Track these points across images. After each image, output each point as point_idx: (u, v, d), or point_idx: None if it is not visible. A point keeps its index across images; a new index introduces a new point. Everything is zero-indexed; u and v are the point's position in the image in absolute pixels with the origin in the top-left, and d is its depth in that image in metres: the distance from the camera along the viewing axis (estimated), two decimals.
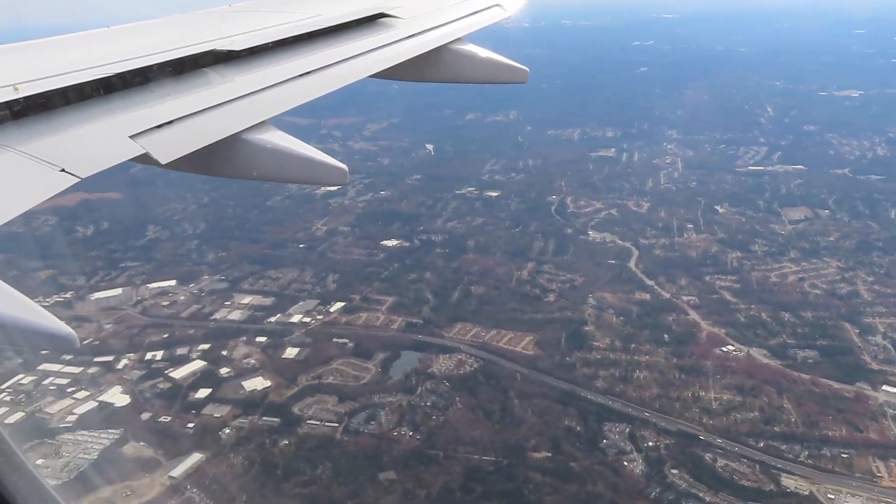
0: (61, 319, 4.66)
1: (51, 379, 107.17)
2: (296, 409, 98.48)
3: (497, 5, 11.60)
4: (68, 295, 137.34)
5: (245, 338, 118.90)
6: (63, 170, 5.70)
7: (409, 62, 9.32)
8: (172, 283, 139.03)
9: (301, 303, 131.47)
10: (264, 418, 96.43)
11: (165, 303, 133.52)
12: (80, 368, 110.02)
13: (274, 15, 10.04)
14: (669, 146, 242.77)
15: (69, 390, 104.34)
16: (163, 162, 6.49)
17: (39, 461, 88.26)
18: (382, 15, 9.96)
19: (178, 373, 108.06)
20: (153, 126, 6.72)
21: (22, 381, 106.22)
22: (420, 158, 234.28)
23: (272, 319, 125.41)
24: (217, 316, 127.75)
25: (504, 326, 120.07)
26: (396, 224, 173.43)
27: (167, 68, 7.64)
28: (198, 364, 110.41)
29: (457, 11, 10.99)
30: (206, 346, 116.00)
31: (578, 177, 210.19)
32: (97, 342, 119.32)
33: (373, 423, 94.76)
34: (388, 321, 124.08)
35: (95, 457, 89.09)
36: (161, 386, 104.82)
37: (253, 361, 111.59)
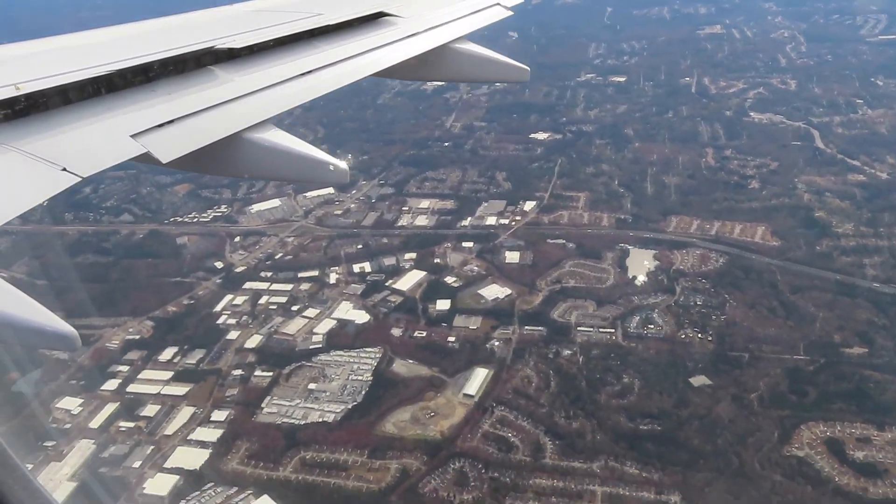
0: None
1: (266, 298, 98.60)
2: (555, 316, 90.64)
3: (497, 3, 11.11)
4: (223, 209, 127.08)
5: (448, 244, 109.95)
6: (64, 169, 5.73)
7: (410, 61, 9.01)
8: (330, 190, 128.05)
9: (485, 204, 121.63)
10: (527, 328, 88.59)
11: (337, 212, 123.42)
12: (290, 285, 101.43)
13: (274, 14, 9.77)
14: (776, 20, 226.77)
15: (293, 309, 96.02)
16: (164, 161, 6.39)
17: (312, 385, 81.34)
18: (383, 14, 9.72)
19: (402, 284, 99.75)
20: (154, 125, 6.63)
21: (236, 302, 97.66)
22: (509, 45, 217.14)
23: (465, 223, 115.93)
24: (402, 222, 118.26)
25: (724, 217, 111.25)
26: (533, 116, 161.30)
27: (168, 67, 7.54)
28: (417, 274, 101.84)
29: (457, 10, 10.61)
30: (412, 255, 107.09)
31: (699, 56, 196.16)
32: (289, 256, 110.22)
33: (650, 326, 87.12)
34: (594, 218, 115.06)
35: (370, 377, 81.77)
36: (391, 300, 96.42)
37: (476, 268, 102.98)
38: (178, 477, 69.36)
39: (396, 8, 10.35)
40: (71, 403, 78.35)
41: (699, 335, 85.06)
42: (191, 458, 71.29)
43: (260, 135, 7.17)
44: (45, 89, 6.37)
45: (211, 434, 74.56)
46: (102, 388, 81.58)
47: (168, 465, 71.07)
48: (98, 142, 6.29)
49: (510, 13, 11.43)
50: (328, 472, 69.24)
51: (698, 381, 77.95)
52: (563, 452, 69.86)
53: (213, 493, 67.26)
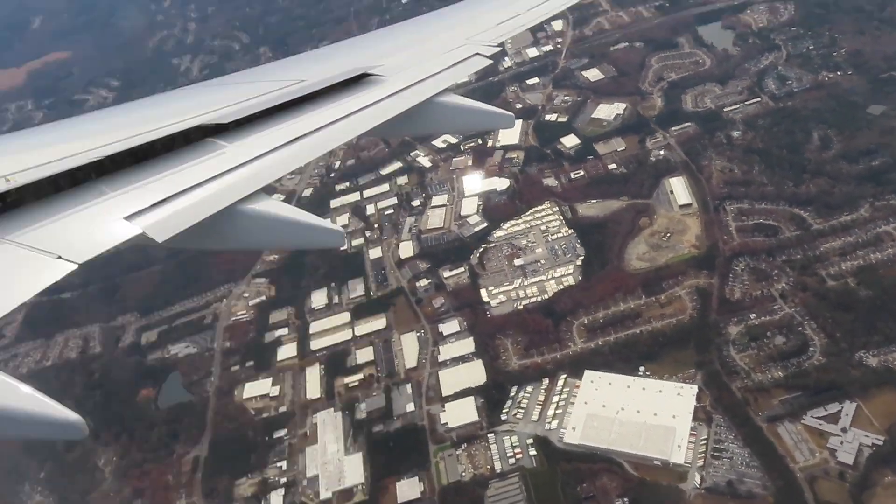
0: None
1: (371, 206, 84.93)
2: (690, 108, 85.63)
3: (476, 53, 10.66)
4: None
5: (511, 87, 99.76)
6: (59, 257, 5.73)
7: (396, 118, 8.88)
8: None
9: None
10: (673, 128, 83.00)
11: None
12: (385, 185, 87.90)
13: (259, 84, 9.77)
14: None
15: (415, 204, 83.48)
16: (159, 240, 6.27)
17: (518, 262, 71.86)
18: (365, 75, 9.69)
19: (507, 138, 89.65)
20: (148, 205, 6.57)
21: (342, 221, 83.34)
22: None
23: (507, 64, 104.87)
24: None
25: None
26: None
27: (158, 146, 7.54)
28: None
29: (438, 63, 10.31)
30: None
31: None
32: (351, 161, 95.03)
33: (788, 82, 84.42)
34: (632, 14, 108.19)
35: (568, 230, 73.88)
36: (511, 156, 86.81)
37: (566, 97, 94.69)
38: None
39: (378, 67, 10.10)
40: None
41: (838, 73, 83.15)
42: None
43: (254, 205, 6.99)
44: (38, 179, 6.44)
45: (453, 350, 64.50)
46: None
47: None
48: (92, 227, 6.25)
49: (490, 62, 10.78)
50: (620, 327, 62.01)
51: (876, 109, 76.67)
52: (822, 213, 66.91)
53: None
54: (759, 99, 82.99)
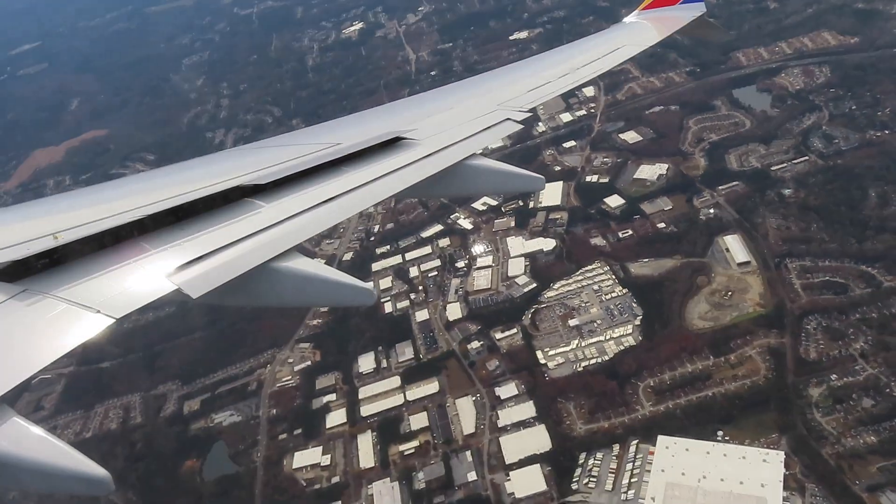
0: None
1: (413, 268, 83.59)
2: (735, 168, 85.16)
3: (508, 119, 11.00)
4: None
5: (548, 150, 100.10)
6: (99, 311, 5.93)
7: (427, 180, 9.16)
8: None
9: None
10: (720, 187, 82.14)
11: None
12: (426, 247, 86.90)
13: (296, 147, 10.00)
14: None
15: (459, 266, 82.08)
16: (194, 297, 6.39)
17: (572, 322, 69.63)
18: (399, 138, 9.95)
19: (549, 199, 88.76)
20: (184, 262, 6.77)
21: (385, 285, 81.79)
22: None
23: (541, 129, 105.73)
24: None
25: (782, 37, 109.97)
26: (493, 23, 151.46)
27: (198, 205, 7.79)
28: (555, 186, 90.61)
29: (470, 128, 10.67)
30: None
31: None
32: (390, 224, 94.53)
33: (835, 141, 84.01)
34: (663, 79, 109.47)
35: (622, 289, 71.93)
36: (554, 217, 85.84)
37: (605, 159, 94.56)
38: None
39: (412, 132, 10.34)
40: None
41: (885, 132, 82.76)
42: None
43: (286, 263, 7.14)
44: (83, 237, 6.80)
45: (513, 414, 61.49)
46: None
47: None
48: (131, 283, 6.47)
49: (520, 127, 11.07)
50: (690, 389, 59.06)
51: None
52: (892, 270, 64.68)
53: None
54: (806, 158, 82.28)
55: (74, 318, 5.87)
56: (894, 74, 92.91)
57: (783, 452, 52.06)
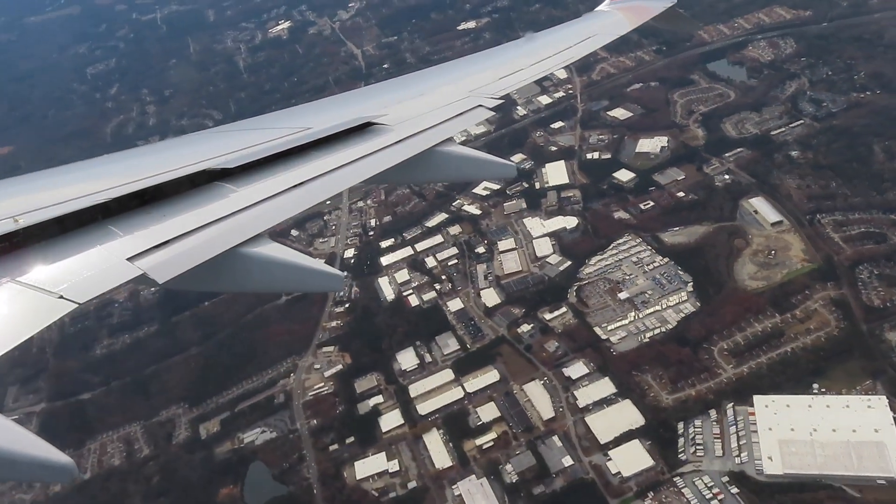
0: None
1: (428, 258, 78.64)
2: (734, 135, 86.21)
3: (480, 105, 11.41)
4: None
5: (537, 132, 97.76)
6: (61, 296, 5.74)
7: (399, 166, 9.35)
8: None
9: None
10: (727, 154, 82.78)
11: None
12: (438, 236, 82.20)
13: (265, 131, 10.05)
14: None
15: (479, 251, 77.91)
16: (160, 281, 6.30)
17: (622, 295, 67.22)
18: (370, 123, 10.05)
19: (554, 178, 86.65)
20: (150, 247, 6.64)
21: (402, 277, 76.30)
22: None
23: (521, 112, 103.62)
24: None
25: (738, 14, 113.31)
26: (442, 13, 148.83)
27: (164, 189, 7.59)
28: (558, 165, 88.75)
29: (442, 114, 10.91)
30: (523, 156, 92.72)
31: None
32: (388, 217, 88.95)
33: (823, 104, 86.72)
34: (633, 59, 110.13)
35: (663, 258, 70.36)
36: (566, 195, 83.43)
37: (600, 137, 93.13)
38: None
39: (383, 117, 10.17)
40: None
41: (867, 93, 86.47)
42: None
43: (256, 249, 6.94)
44: (45, 220, 6.43)
45: (592, 393, 58.14)
46: None
47: None
48: (95, 267, 6.21)
49: (493, 113, 11.15)
50: (768, 348, 57.97)
51: None
52: None
53: None
54: (801, 121, 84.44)
55: (36, 303, 5.58)
56: (856, 42, 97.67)
57: (884, 397, 51.52)
